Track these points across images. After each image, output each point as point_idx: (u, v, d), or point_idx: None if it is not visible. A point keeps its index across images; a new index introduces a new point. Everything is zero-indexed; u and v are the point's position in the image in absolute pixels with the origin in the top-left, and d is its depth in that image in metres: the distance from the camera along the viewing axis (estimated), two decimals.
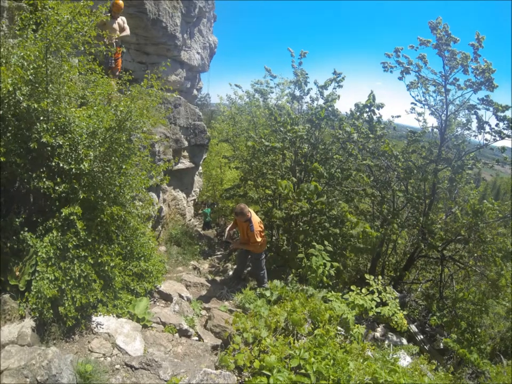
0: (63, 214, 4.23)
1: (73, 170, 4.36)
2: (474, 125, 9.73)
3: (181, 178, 12.83)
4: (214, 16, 17.72)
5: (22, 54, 4.10)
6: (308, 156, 9.76)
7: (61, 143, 4.31)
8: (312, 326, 4.46)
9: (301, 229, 8.66)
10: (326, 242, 7.05)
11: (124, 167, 4.85)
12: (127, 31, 8.80)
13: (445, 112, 9.80)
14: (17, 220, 4.29)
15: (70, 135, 4.45)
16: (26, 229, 4.32)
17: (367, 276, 6.32)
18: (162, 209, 10.58)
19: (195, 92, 17.26)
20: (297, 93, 10.44)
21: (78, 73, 5.70)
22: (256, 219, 7.22)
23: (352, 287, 6.20)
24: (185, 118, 12.50)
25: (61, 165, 4.31)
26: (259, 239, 7.06)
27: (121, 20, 8.73)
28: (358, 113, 9.17)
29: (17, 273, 4.24)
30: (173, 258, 10.09)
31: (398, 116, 10.84)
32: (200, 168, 15.15)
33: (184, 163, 12.79)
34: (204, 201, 23.37)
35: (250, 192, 11.21)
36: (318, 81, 10.08)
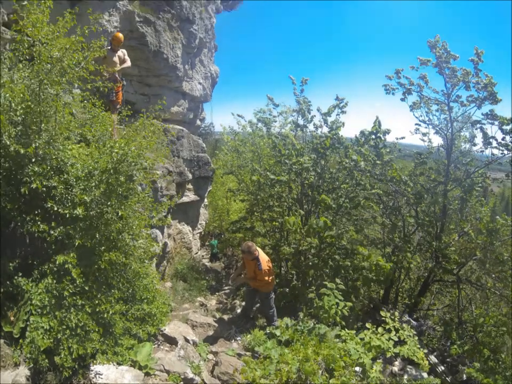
0: (57, 262, 4.00)
1: (67, 215, 4.14)
2: (479, 140, 9.46)
3: (186, 212, 12.65)
4: (215, 46, 17.84)
5: (7, 95, 3.88)
6: (315, 186, 9.52)
7: (55, 185, 4.11)
8: (327, 375, 4.13)
9: (310, 263, 8.35)
10: (337, 280, 6.73)
11: (120, 214, 4.59)
12: (128, 63, 8.75)
13: (450, 131, 9.56)
14: (11, 264, 4.08)
15: (65, 176, 4.25)
16: (20, 274, 4.09)
17: (382, 314, 5.97)
18: (167, 244, 10.34)
19: (198, 122, 17.21)
20: (300, 121, 10.26)
21: (74, 110, 5.58)
22: (264, 258, 6.98)
23: (367, 325, 5.84)
24: (189, 150, 12.43)
25: (56, 208, 4.10)
26: (267, 278, 6.80)
27: (122, 52, 8.67)
28: (364, 139, 9.00)
29: (12, 318, 4.03)
30: (179, 294, 9.79)
31: (403, 138, 10.62)
32: (206, 200, 14.97)
33: (189, 196, 12.64)
34: (211, 231, 23.10)
35: (257, 225, 10.96)
36: (321, 108, 9.91)
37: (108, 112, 7.32)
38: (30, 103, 3.99)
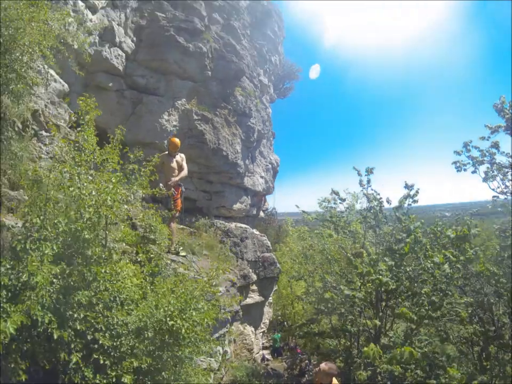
0: None
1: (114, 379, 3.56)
2: None
3: (249, 312, 11.90)
4: (273, 134, 17.84)
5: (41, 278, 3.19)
6: (391, 290, 8.59)
7: (100, 341, 3.56)
8: None
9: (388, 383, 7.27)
10: None
11: None
12: (185, 171, 8.28)
13: None
14: None
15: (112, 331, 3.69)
16: None
17: None
18: (228, 352, 9.56)
19: (261, 213, 16.91)
20: (371, 219, 9.54)
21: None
22: None
23: None
24: (253, 252, 12.03)
25: (102, 361, 3.56)
26: None
27: (180, 156, 8.30)
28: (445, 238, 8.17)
29: None
30: None
31: (477, 212, 9.68)
32: (270, 298, 14.20)
33: (253, 297, 12.09)
34: (273, 320, 22.11)
35: (325, 327, 10.12)
36: (390, 199, 9.39)
37: (165, 226, 6.93)
38: (65, 266, 3.51)
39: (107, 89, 9.81)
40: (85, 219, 3.65)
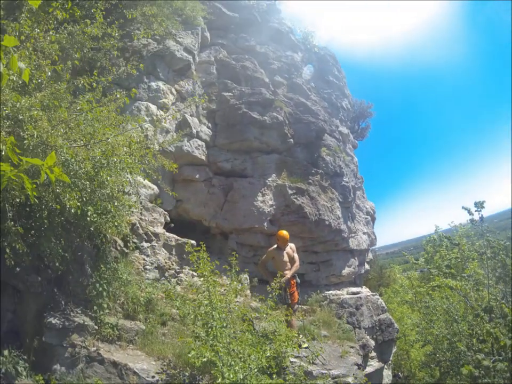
0: None
1: None
2: None
3: (368, 379, 10.95)
4: (361, 179, 16.96)
5: None
6: None
7: None
8: None
9: None
10: None
11: None
12: (297, 263, 7.96)
13: None
14: None
15: None
16: None
17: None
18: None
19: (366, 266, 15.90)
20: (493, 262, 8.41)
21: None
22: None
23: None
24: (369, 317, 11.25)
25: None
26: None
27: (290, 248, 7.98)
28: None
29: None
30: None
31: None
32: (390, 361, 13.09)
33: (373, 365, 11.14)
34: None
35: None
36: None
37: (289, 329, 6.46)
38: None
39: (195, 181, 9.81)
40: None
